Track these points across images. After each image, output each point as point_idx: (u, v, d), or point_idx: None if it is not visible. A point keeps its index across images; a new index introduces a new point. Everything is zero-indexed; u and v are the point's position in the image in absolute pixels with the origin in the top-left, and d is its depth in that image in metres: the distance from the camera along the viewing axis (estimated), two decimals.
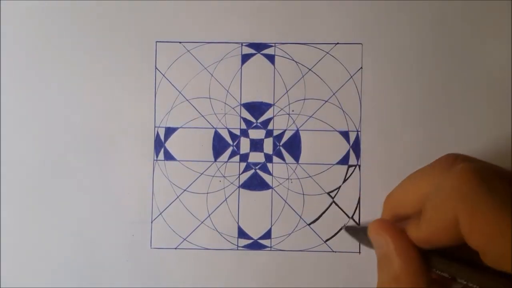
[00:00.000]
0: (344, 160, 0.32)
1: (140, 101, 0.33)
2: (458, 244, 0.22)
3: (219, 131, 0.33)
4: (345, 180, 0.32)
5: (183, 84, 0.33)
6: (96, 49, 0.33)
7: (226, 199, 0.32)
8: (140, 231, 0.32)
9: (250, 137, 0.33)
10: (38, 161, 0.33)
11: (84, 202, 0.32)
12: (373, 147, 0.32)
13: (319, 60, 0.33)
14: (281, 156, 0.33)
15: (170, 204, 0.33)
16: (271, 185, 0.33)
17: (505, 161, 0.32)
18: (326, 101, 0.33)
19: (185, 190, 0.33)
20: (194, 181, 0.33)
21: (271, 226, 0.32)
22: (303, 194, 0.32)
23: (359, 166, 0.32)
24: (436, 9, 0.32)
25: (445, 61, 0.32)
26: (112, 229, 0.32)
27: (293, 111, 0.33)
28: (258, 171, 0.33)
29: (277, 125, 0.33)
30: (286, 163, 0.33)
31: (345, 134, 0.32)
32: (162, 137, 0.33)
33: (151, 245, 0.32)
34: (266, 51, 0.33)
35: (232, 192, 0.33)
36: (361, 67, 0.33)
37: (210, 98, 0.33)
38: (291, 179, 0.32)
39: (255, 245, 0.32)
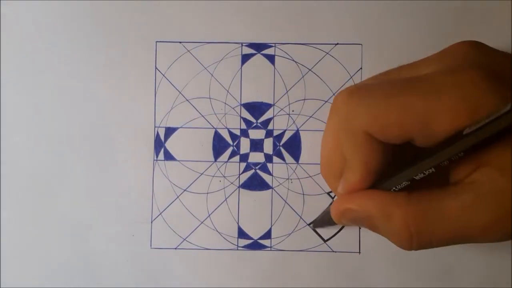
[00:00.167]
0: None
1: (140, 101, 0.33)
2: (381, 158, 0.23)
3: (219, 131, 0.33)
4: None
5: (183, 84, 0.33)
6: (96, 49, 0.33)
7: (226, 199, 0.33)
8: (140, 231, 0.32)
9: (250, 137, 0.33)
10: (38, 161, 0.33)
11: (84, 202, 0.32)
12: None
13: (319, 61, 0.33)
14: (281, 156, 0.33)
15: (170, 204, 0.33)
16: (271, 185, 0.33)
17: None
18: (326, 101, 0.33)
19: (185, 190, 0.33)
20: (194, 181, 0.33)
21: (271, 226, 0.32)
22: (303, 194, 0.32)
23: None
24: (436, 10, 0.33)
25: None
26: (112, 229, 0.32)
27: (293, 111, 0.33)
28: (258, 171, 0.33)
29: (277, 125, 0.33)
30: (286, 163, 0.33)
31: None
32: (162, 137, 0.33)
33: (151, 245, 0.32)
34: (266, 51, 0.33)
35: (232, 192, 0.33)
36: (361, 68, 0.33)
37: (210, 98, 0.33)
38: (291, 179, 0.33)
39: (255, 245, 0.32)
